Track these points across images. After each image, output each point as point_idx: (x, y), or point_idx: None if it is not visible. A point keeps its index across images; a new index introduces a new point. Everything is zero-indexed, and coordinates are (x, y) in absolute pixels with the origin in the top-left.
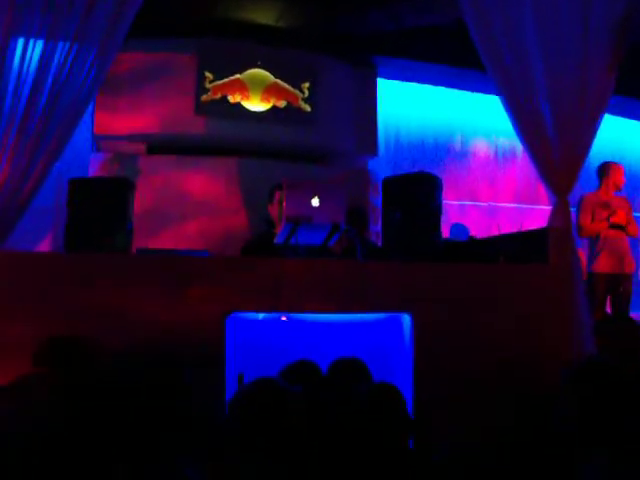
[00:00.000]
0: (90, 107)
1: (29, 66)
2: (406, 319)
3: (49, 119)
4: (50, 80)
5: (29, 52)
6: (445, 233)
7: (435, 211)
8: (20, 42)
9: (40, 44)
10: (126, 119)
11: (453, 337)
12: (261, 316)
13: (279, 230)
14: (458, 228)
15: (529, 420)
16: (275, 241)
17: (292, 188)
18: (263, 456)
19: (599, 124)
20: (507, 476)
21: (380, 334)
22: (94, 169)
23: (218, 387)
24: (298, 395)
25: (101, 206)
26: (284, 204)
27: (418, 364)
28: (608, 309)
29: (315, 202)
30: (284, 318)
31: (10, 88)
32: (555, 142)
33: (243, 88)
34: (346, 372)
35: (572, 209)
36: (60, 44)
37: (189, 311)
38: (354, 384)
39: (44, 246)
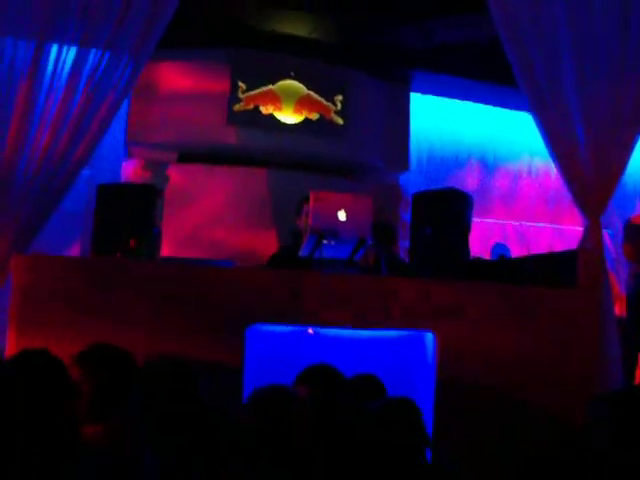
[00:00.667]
0: (123, 114)
1: (62, 71)
2: (429, 337)
3: (80, 123)
4: (82, 85)
5: (62, 57)
6: (481, 251)
7: (464, 229)
8: (54, 48)
9: (73, 50)
10: (158, 127)
11: (476, 357)
12: (288, 329)
13: (304, 242)
14: (500, 248)
15: (549, 445)
16: (300, 253)
17: (318, 201)
18: (268, 463)
19: (634, 145)
20: None
21: (402, 352)
22: (126, 176)
23: (237, 398)
24: (305, 403)
25: (128, 212)
26: (309, 216)
27: (440, 383)
28: None
29: (341, 215)
30: (311, 331)
31: (43, 92)
32: (588, 162)
33: (276, 99)
34: (361, 388)
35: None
36: (93, 50)
37: (210, 320)
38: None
39: (74, 250)
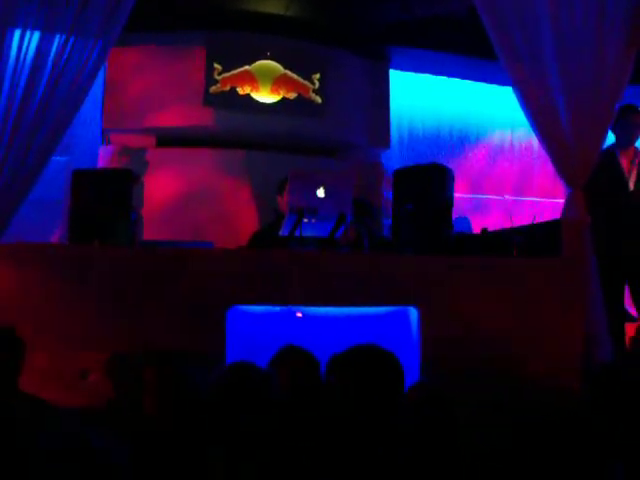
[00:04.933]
0: (99, 100)
1: (26, 57)
2: (413, 312)
3: (46, 109)
4: (47, 71)
5: (25, 43)
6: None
7: (446, 203)
8: (17, 33)
9: (37, 35)
10: (135, 112)
11: (461, 330)
12: (269, 310)
13: (284, 221)
14: (461, 221)
15: (535, 418)
16: (280, 233)
17: (297, 178)
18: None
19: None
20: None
21: (387, 327)
22: (103, 162)
23: None
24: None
25: (104, 197)
26: (287, 194)
27: (425, 358)
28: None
29: (321, 193)
30: (299, 314)
31: (7, 79)
32: (569, 133)
33: (252, 79)
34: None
35: None
36: (57, 35)
37: (190, 303)
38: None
39: (55, 238)
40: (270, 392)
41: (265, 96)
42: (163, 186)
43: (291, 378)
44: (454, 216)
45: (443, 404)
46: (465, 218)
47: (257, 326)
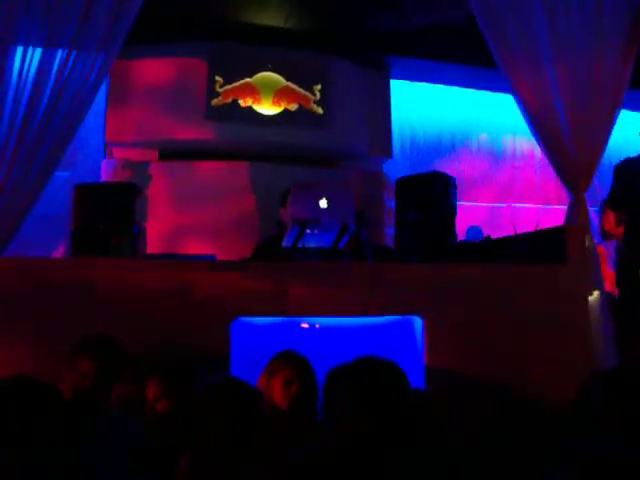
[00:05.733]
0: (101, 114)
1: (28, 73)
2: (418, 322)
3: (49, 124)
4: (49, 86)
5: (28, 59)
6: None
7: (449, 211)
8: (19, 50)
9: (39, 51)
10: (137, 126)
11: (466, 340)
12: (273, 321)
13: (287, 232)
14: (474, 230)
15: (542, 427)
16: (283, 244)
17: (299, 190)
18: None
19: (615, 120)
20: None
21: (392, 337)
22: (106, 176)
23: None
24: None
25: (107, 211)
26: (290, 206)
27: (430, 367)
28: None
29: (323, 204)
30: (305, 325)
31: (10, 95)
32: (570, 139)
33: (254, 91)
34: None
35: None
36: (59, 50)
37: (194, 316)
38: None
39: (58, 253)
40: (260, 407)
41: (267, 108)
42: (165, 199)
43: (285, 380)
44: (464, 225)
45: (430, 411)
46: (477, 227)
47: (262, 338)
